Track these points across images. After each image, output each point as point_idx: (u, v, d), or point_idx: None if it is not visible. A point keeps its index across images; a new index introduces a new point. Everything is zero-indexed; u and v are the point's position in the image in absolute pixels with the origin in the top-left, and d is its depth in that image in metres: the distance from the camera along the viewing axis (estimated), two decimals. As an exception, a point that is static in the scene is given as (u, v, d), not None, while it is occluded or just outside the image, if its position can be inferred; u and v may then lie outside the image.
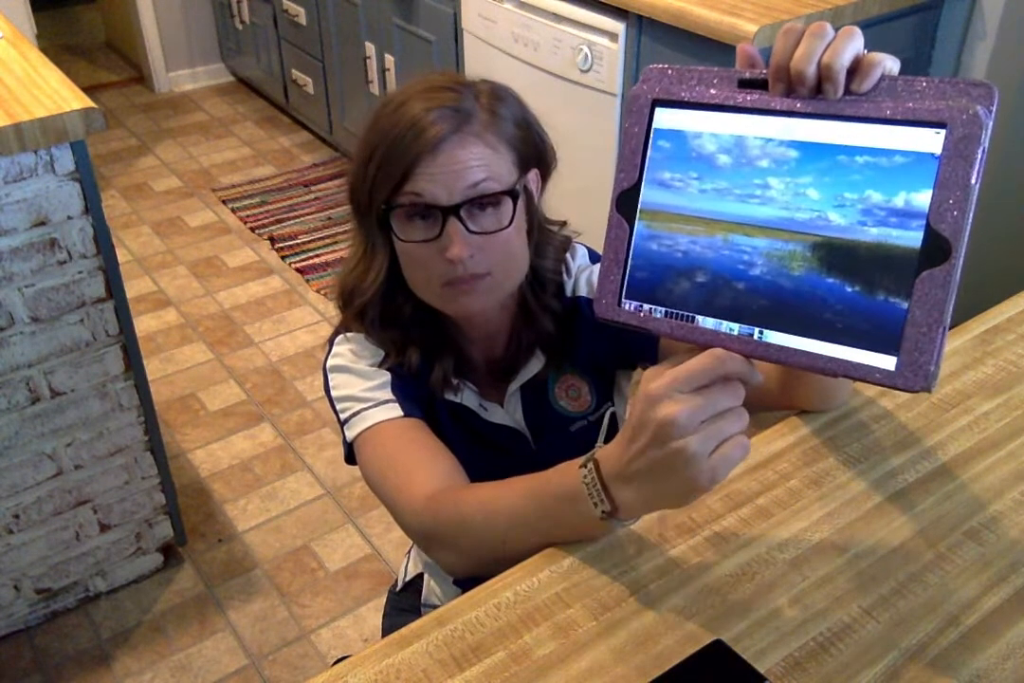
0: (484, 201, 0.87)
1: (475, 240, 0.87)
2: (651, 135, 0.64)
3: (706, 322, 0.62)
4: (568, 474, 0.72)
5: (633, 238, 0.64)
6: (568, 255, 1.02)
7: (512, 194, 0.88)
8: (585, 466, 0.70)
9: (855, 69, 0.58)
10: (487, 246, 0.88)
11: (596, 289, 0.66)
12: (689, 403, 0.60)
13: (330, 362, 0.99)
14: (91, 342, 1.56)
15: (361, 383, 0.95)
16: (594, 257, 1.05)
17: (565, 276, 1.01)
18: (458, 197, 0.86)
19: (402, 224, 0.89)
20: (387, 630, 1.23)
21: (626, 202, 0.64)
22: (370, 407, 0.93)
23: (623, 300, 0.64)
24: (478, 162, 0.86)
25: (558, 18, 2.08)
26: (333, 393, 0.97)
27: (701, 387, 0.60)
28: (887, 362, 0.56)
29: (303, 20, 3.24)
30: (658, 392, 0.61)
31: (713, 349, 0.61)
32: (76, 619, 1.81)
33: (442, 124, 0.85)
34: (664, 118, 0.63)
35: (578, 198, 1.32)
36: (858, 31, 0.58)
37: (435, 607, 1.02)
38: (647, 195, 0.64)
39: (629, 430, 0.64)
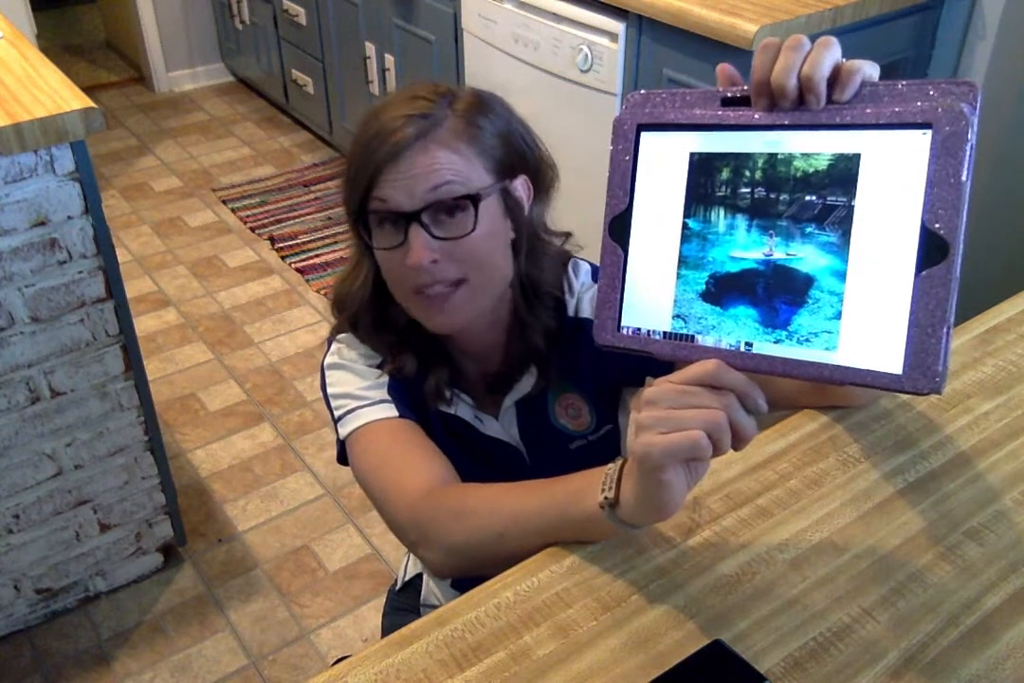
0: (450, 206, 0.85)
1: (441, 246, 0.86)
2: (639, 159, 0.64)
3: (706, 340, 0.62)
4: (588, 475, 0.74)
5: (628, 263, 0.64)
6: (571, 270, 1.00)
7: (474, 198, 0.86)
8: (616, 461, 0.72)
9: (835, 78, 0.58)
10: (455, 252, 0.86)
11: (595, 316, 0.65)
12: (664, 393, 0.62)
13: (328, 359, 0.98)
14: (91, 342, 1.56)
15: (358, 381, 0.95)
16: (596, 274, 1.03)
17: (567, 295, 0.99)
18: (419, 202, 0.85)
19: (375, 231, 0.89)
20: (387, 630, 1.23)
21: (619, 227, 0.64)
22: (365, 405, 0.93)
23: (621, 325, 0.64)
24: (441, 167, 0.85)
25: (558, 18, 2.08)
26: (329, 390, 0.97)
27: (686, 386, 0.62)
28: (894, 366, 0.56)
29: (303, 20, 3.24)
30: (647, 396, 0.63)
31: (709, 359, 0.61)
32: (76, 619, 1.80)
33: (406, 130, 0.84)
34: (650, 142, 0.63)
35: (577, 199, 1.32)
36: (835, 41, 0.59)
37: (434, 607, 1.02)
38: (638, 219, 0.64)
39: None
